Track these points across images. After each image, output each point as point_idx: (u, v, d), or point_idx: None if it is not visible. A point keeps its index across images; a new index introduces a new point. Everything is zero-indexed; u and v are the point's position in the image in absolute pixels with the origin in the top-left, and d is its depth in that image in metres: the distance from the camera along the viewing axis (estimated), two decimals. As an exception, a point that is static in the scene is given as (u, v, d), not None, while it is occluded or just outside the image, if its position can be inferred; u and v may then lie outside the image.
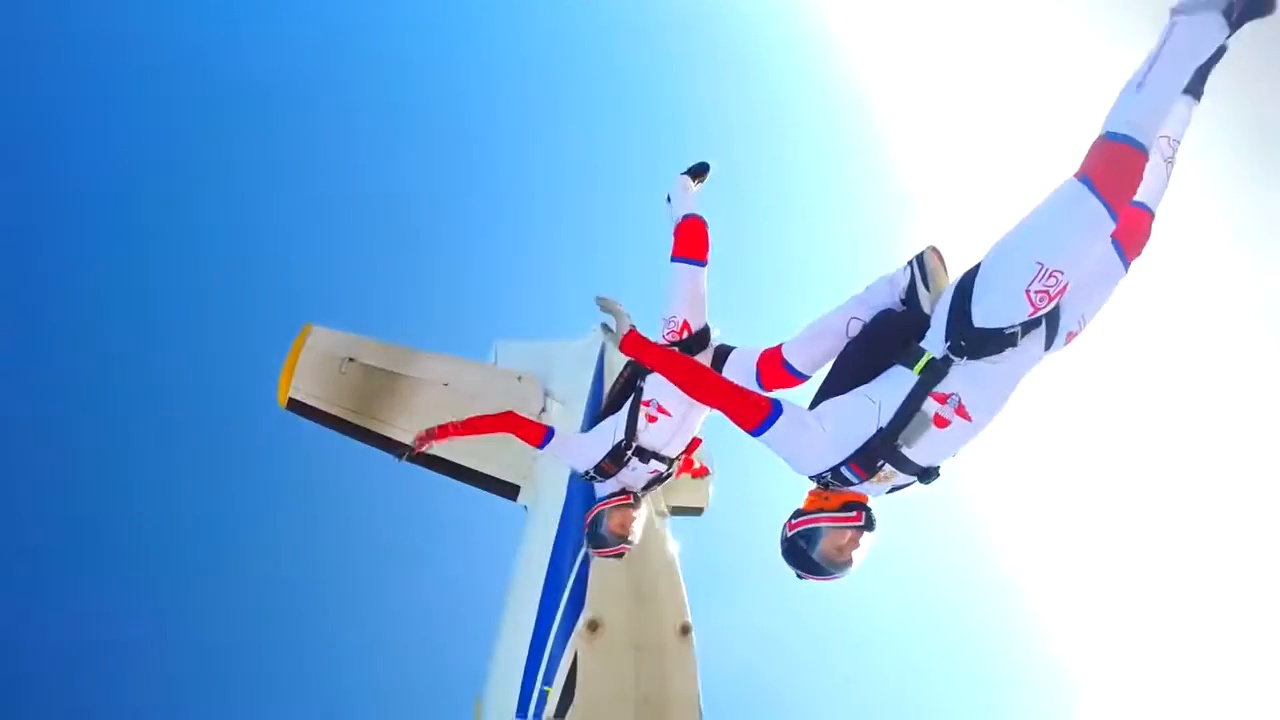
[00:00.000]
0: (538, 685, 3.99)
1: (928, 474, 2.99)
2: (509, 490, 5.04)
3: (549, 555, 4.41)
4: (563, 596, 4.15)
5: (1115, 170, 2.75)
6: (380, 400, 4.90)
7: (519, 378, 5.27)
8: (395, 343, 5.09)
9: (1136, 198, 3.03)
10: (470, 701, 4.41)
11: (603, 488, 4.26)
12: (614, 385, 4.25)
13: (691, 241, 4.21)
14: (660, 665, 4.05)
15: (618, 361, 4.89)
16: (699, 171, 4.60)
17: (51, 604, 13.89)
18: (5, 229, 16.07)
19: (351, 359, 4.90)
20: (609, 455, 4.11)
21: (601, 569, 4.18)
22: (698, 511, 5.89)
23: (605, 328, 3.18)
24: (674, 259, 4.19)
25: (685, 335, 4.05)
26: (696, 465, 4.87)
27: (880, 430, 2.84)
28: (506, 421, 4.34)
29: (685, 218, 4.28)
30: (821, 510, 2.98)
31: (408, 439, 4.91)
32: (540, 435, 4.23)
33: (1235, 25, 3.01)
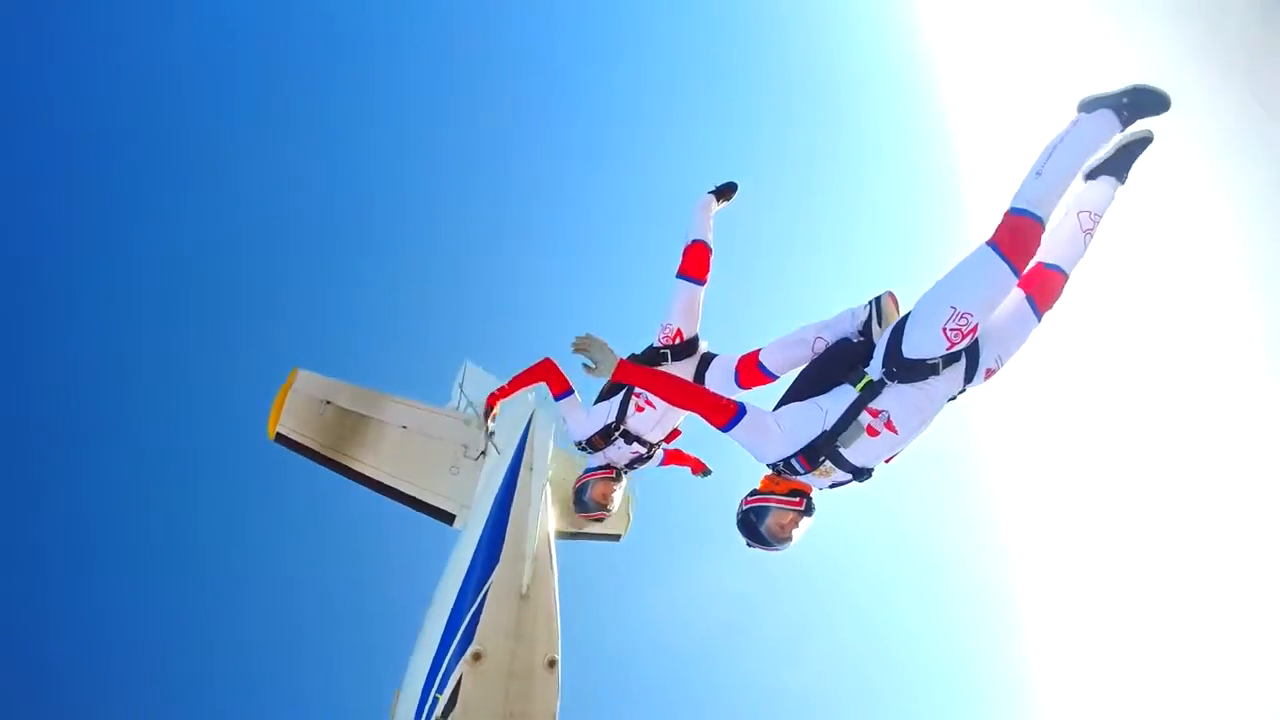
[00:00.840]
0: (433, 693, 5.18)
1: (861, 473, 3.61)
2: (446, 517, 6.13)
3: (461, 583, 5.52)
4: (461, 626, 5.23)
5: (1015, 237, 3.41)
6: (351, 439, 5.99)
7: (466, 422, 6.27)
8: (368, 387, 6.15)
9: (1053, 261, 3.74)
10: (392, 692, 5.66)
11: (591, 460, 5.01)
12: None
13: (695, 264, 4.85)
14: (528, 690, 5.13)
15: (539, 441, 5.80)
16: (725, 191, 5.12)
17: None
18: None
19: (329, 401, 5.99)
20: (600, 432, 4.83)
21: (494, 610, 5.23)
22: (616, 538, 6.88)
23: (586, 367, 3.84)
24: (678, 276, 4.85)
25: (677, 341, 4.75)
26: (693, 457, 5.70)
27: (824, 432, 3.50)
28: (542, 369, 5.11)
29: (694, 242, 4.89)
30: (772, 493, 3.64)
31: (372, 473, 6.06)
32: (562, 388, 5.01)
33: (1126, 123, 3.62)
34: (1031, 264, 3.60)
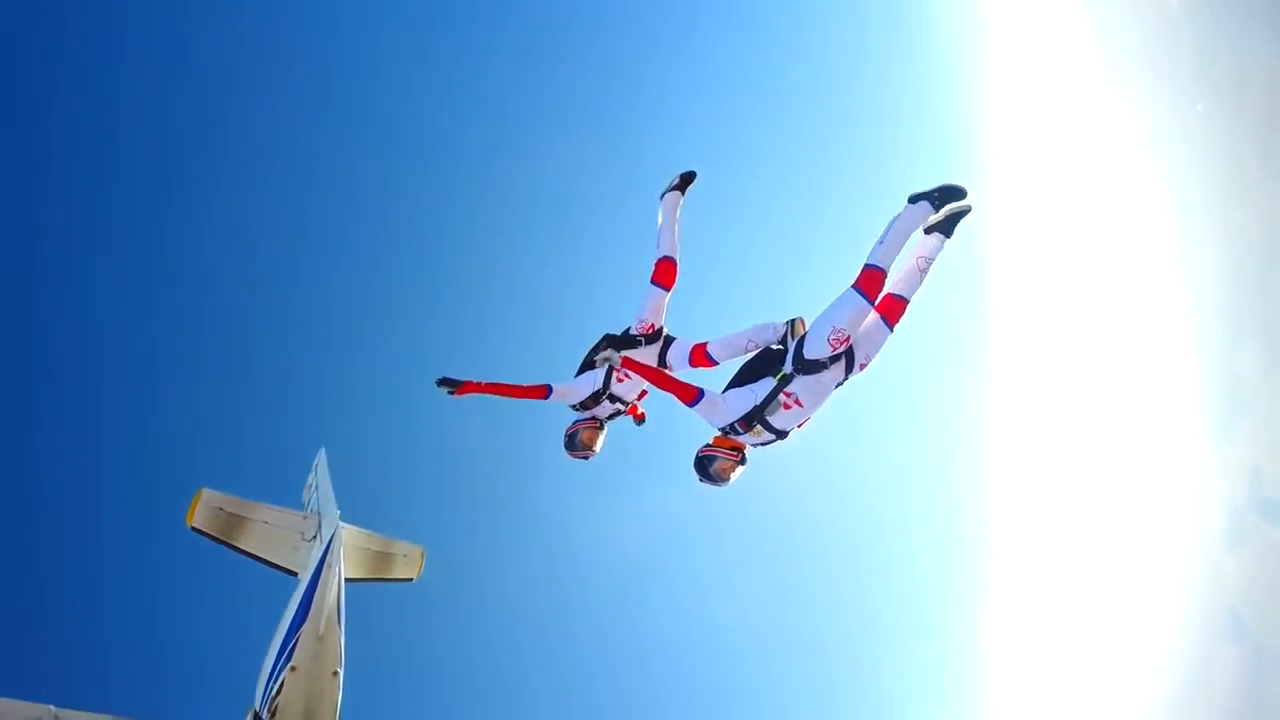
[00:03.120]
0: (271, 685, 9.23)
1: (781, 434, 5.05)
2: (292, 574, 10.04)
3: (289, 622, 9.47)
4: (288, 649, 9.06)
5: (868, 282, 4.90)
6: (236, 531, 9.90)
7: (305, 517, 10.18)
8: (246, 499, 10.03)
9: (899, 291, 5.08)
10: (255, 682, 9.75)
11: (581, 414, 6.41)
12: (589, 354, 6.32)
13: (665, 275, 6.27)
14: (320, 689, 8.88)
15: (335, 548, 9.55)
16: (686, 180, 6.24)
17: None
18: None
19: (221, 508, 9.91)
20: (591, 395, 6.22)
21: (304, 643, 8.99)
22: (409, 580, 10.79)
23: (608, 360, 5.86)
24: (651, 283, 6.26)
25: (650, 331, 6.25)
26: (640, 410, 6.65)
27: (755, 406, 4.93)
28: (518, 389, 6.25)
29: (665, 257, 6.26)
30: (720, 446, 5.11)
31: (247, 549, 9.99)
32: (542, 393, 6.19)
33: (938, 208, 4.96)
34: (884, 293, 5.01)
